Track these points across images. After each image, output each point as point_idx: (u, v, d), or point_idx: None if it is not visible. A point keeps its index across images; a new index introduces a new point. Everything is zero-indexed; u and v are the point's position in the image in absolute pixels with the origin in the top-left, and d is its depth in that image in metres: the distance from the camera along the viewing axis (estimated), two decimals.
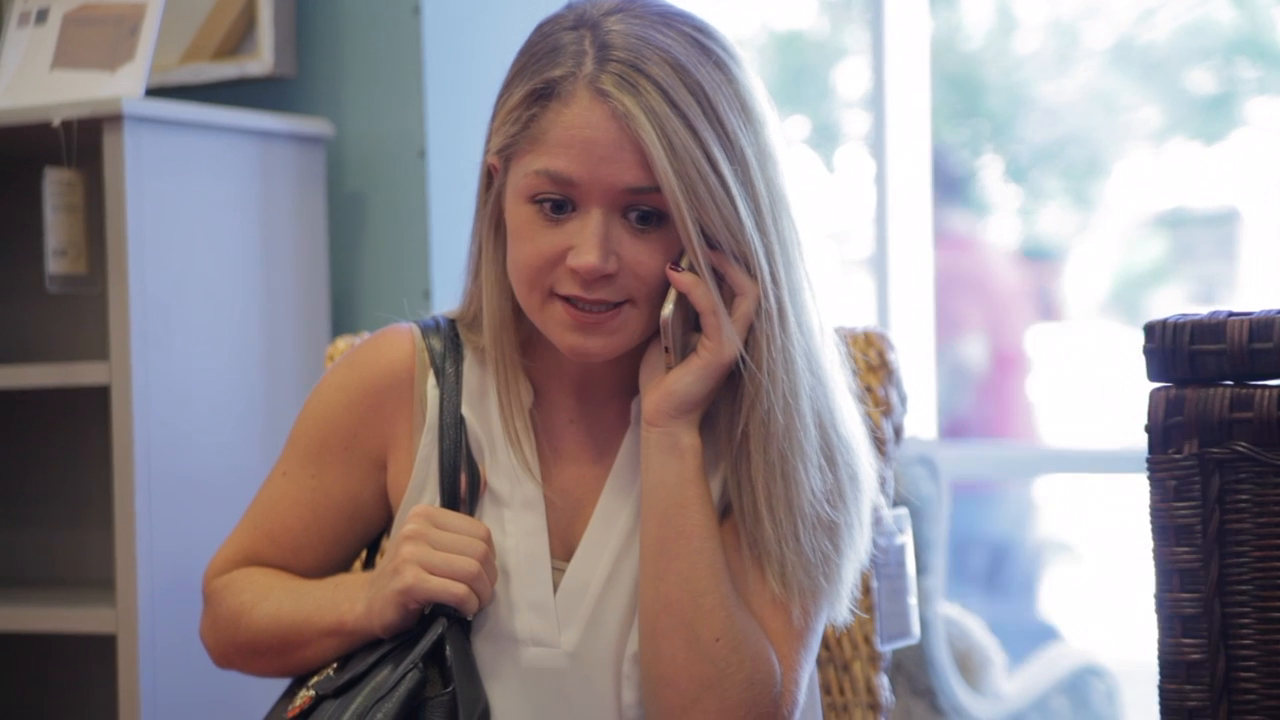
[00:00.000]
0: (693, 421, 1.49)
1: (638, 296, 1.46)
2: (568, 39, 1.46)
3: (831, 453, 1.51)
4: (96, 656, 2.81)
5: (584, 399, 1.57)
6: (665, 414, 1.48)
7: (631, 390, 1.55)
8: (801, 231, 1.51)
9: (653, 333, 1.50)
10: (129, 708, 2.43)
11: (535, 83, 1.45)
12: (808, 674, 1.52)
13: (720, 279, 1.46)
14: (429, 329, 1.61)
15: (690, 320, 1.48)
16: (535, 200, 1.45)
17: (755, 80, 1.49)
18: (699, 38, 1.46)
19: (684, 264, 1.46)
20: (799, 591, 1.49)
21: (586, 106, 1.43)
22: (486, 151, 1.52)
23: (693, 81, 1.43)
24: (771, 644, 1.49)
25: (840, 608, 1.53)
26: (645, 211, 1.45)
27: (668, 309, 1.46)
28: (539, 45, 1.48)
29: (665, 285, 1.46)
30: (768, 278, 1.46)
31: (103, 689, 2.81)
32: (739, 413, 1.48)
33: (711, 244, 1.45)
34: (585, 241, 1.43)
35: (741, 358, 1.46)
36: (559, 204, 1.45)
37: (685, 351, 1.48)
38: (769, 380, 1.46)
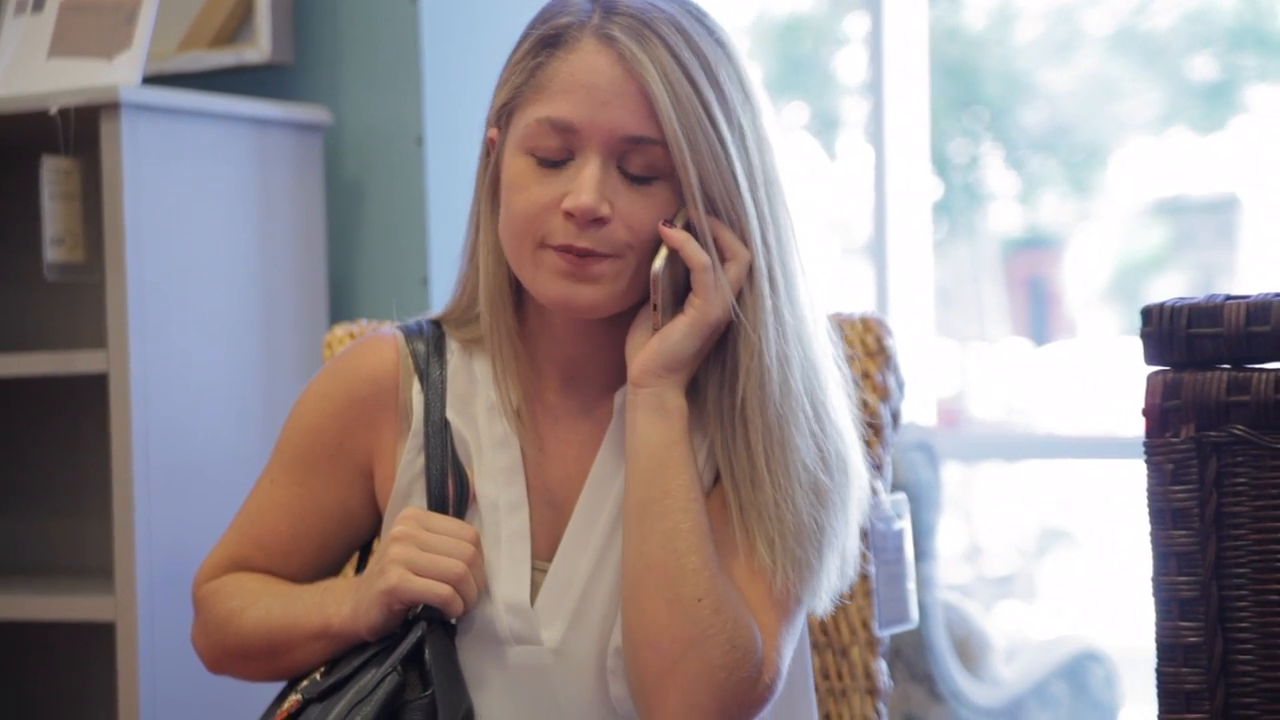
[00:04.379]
0: (679, 382, 1.48)
1: (627, 250, 1.46)
2: (577, 2, 1.49)
3: (823, 429, 1.50)
4: (95, 644, 2.81)
5: (569, 394, 1.57)
6: (652, 372, 1.47)
7: (617, 385, 1.55)
8: (796, 220, 1.51)
9: (639, 301, 1.49)
10: (128, 695, 2.43)
11: (543, 30, 1.48)
12: (791, 646, 1.51)
13: (713, 241, 1.46)
14: (412, 333, 1.60)
15: (679, 282, 1.48)
16: (534, 150, 1.46)
17: (752, 71, 1.51)
18: (702, 19, 1.49)
19: (677, 222, 1.46)
20: (784, 562, 1.47)
21: (593, 51, 1.45)
22: (489, 120, 1.53)
23: (696, 47, 1.46)
24: (752, 613, 1.48)
25: (821, 595, 1.51)
26: (641, 165, 1.46)
27: (658, 264, 1.46)
28: (548, 8, 1.51)
29: (655, 244, 1.47)
30: (759, 245, 1.47)
31: (102, 677, 2.81)
32: (735, 378, 1.48)
33: (706, 207, 1.45)
34: (581, 184, 1.44)
35: (735, 314, 1.46)
36: (558, 151, 1.46)
37: (673, 314, 1.48)
38: (761, 342, 1.46)
